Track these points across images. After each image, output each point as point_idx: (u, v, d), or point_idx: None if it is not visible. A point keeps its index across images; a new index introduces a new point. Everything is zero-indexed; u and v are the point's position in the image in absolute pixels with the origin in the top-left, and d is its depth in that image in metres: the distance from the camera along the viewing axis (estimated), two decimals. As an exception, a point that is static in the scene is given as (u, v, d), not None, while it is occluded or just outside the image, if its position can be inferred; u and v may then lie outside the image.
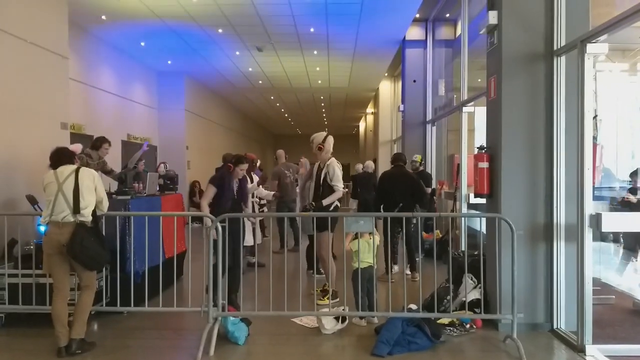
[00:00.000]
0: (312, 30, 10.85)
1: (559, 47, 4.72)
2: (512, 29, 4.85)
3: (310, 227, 5.62)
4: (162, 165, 7.48)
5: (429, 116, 11.03)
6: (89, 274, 4.25)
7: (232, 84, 16.81)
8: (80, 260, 4.10)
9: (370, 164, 10.99)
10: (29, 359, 4.18)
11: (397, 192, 6.86)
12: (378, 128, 17.75)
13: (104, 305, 4.94)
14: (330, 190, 5.69)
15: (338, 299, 5.56)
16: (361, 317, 4.95)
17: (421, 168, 9.06)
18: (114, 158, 10.17)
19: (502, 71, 4.83)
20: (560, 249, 4.71)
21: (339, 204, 5.85)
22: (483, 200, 5.59)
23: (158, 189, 6.87)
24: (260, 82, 16.48)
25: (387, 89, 17.22)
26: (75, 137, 8.89)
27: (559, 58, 4.74)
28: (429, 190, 8.67)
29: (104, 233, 4.70)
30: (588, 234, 4.16)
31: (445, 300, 5.00)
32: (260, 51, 12.17)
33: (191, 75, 15.46)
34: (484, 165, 5.00)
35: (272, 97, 20.07)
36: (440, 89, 10.82)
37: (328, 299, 5.38)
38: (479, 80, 8.25)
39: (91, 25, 10.42)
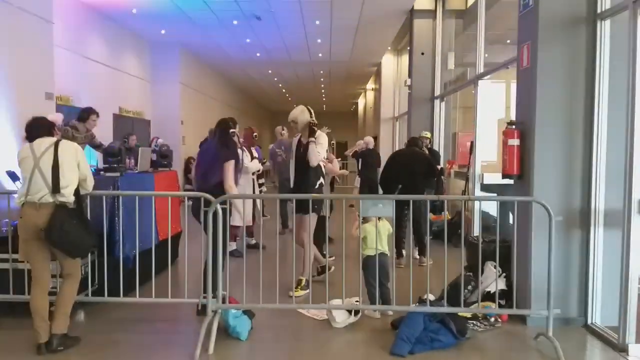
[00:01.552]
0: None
1: (603, 9, 4.18)
2: (550, -12, 4.29)
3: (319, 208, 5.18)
4: (155, 139, 6.99)
5: (438, 91, 10.46)
6: (71, 261, 3.75)
7: (229, 56, 16.11)
8: (61, 247, 3.60)
9: (369, 139, 10.38)
10: (5, 357, 3.70)
11: (399, 171, 6.52)
12: (380, 105, 17.12)
13: (90, 294, 4.44)
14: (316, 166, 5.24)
15: (308, 290, 5.00)
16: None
17: (429, 145, 8.55)
18: (104, 133, 9.58)
19: (539, 37, 4.27)
20: (598, 236, 4.25)
21: (323, 182, 5.36)
22: (497, 181, 5.09)
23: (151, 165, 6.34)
24: (258, 54, 15.79)
25: (390, 64, 16.54)
26: (62, 110, 8.32)
27: (602, 22, 4.19)
28: (438, 168, 8.21)
29: (89, 214, 4.20)
30: (636, 221, 3.69)
31: (466, 291, 4.55)
32: (259, 20, 11.52)
33: (186, 46, 14.73)
34: (514, 142, 4.47)
35: (269, 71, 19.38)
36: (450, 63, 10.22)
37: (301, 289, 5.01)
38: (486, 55, 7.71)
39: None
